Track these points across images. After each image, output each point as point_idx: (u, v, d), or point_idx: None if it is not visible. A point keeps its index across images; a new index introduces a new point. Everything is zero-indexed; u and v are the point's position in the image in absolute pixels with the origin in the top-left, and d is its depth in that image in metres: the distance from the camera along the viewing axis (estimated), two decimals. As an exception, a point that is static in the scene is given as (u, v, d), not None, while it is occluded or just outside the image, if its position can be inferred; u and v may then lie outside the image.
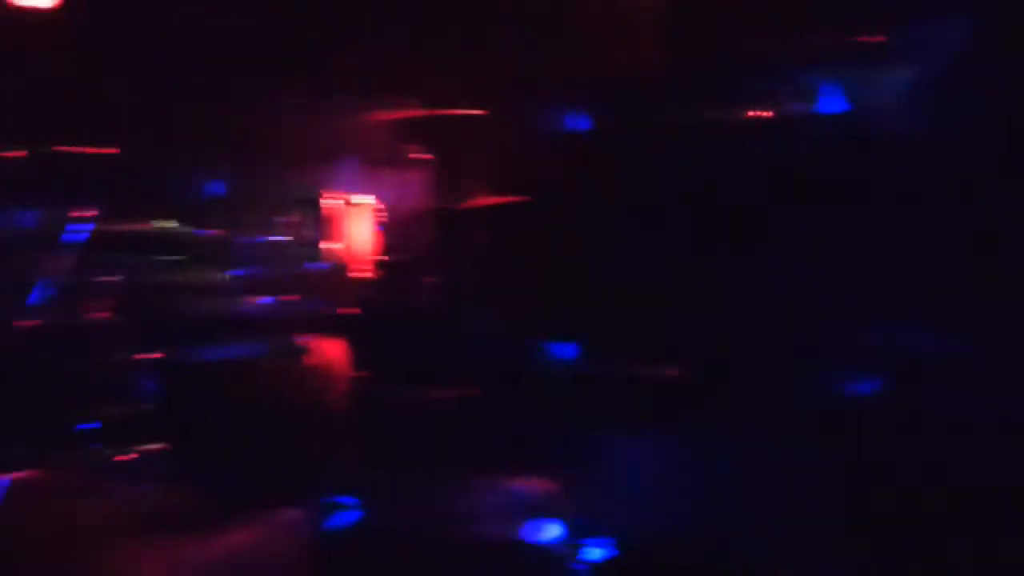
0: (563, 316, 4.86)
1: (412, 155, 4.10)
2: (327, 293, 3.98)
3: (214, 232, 4.15)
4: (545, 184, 5.23)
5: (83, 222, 3.95)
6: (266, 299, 3.96)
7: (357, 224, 4.05)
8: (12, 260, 4.61)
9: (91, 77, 5.02)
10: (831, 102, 3.76)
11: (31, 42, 4.99)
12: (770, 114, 3.88)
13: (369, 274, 4.03)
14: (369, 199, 4.12)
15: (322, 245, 3.95)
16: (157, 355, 3.67)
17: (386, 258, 4.16)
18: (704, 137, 3.99)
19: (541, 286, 4.88)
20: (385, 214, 4.37)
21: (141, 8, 5.09)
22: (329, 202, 3.98)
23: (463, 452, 3.45)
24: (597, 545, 3.19)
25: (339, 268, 3.98)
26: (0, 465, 2.57)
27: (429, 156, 3.40)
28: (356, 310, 3.95)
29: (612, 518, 3.27)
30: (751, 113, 3.93)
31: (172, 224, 4.03)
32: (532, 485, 3.51)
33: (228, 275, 3.99)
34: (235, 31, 5.21)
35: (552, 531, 3.31)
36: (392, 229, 4.58)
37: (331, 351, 3.85)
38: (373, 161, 4.73)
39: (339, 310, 3.99)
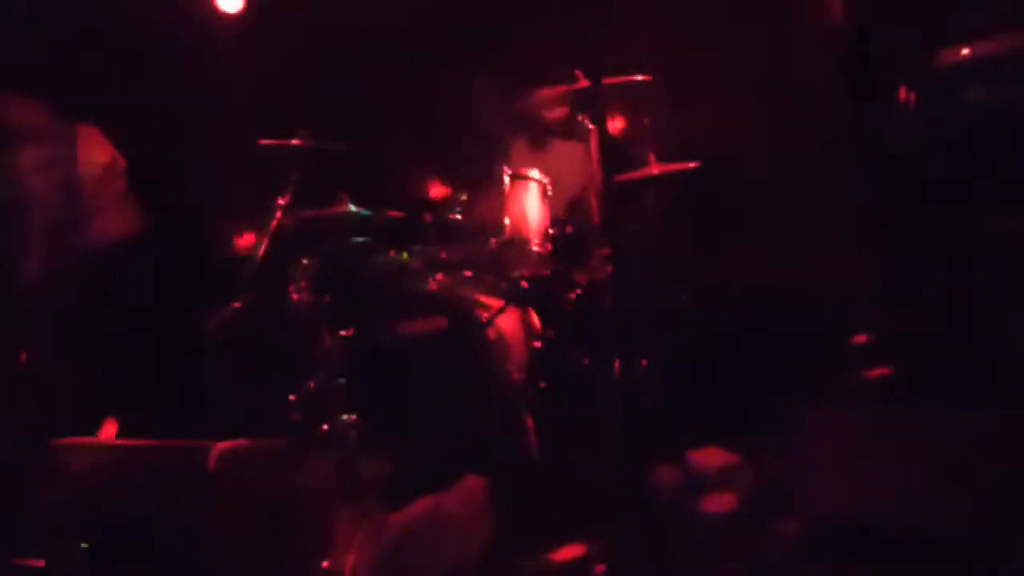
0: (746, 284, 4.72)
1: (584, 126, 4.08)
2: (507, 267, 4.06)
3: (400, 213, 4.35)
4: (725, 150, 5.08)
5: (284, 207, 4.25)
6: (448, 276, 4.10)
7: (531, 197, 4.08)
8: (227, 244, 5.06)
9: (284, 70, 5.39)
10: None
11: (231, 40, 5.43)
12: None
13: (544, 246, 4.06)
14: (542, 173, 4.14)
15: (500, 220, 4.02)
16: (350, 331, 3.90)
17: (559, 230, 4.18)
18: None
19: (723, 254, 4.75)
20: (560, 187, 4.40)
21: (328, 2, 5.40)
22: (505, 177, 4.03)
23: (647, 423, 3.42)
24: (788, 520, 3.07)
25: (517, 242, 4.03)
26: (212, 434, 2.81)
27: (600, 126, 3.36)
28: (532, 282, 4.00)
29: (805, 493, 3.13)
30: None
31: (360, 208, 4.25)
32: (722, 458, 3.44)
33: (412, 254, 4.17)
34: (410, 15, 5.43)
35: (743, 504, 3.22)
36: (566, 201, 4.60)
37: (511, 323, 3.92)
38: (546, 134, 4.77)
39: (519, 283, 4.06)
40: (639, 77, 3.90)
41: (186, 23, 5.36)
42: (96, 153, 4.55)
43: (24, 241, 4.50)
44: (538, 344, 3.97)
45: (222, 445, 3.05)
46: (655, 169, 4.20)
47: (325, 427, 3.75)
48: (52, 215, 4.48)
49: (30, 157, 4.60)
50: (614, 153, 4.70)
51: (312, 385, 3.92)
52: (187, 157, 5.50)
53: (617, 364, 3.75)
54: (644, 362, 3.96)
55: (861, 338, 3.84)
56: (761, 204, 4.91)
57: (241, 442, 3.17)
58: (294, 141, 4.25)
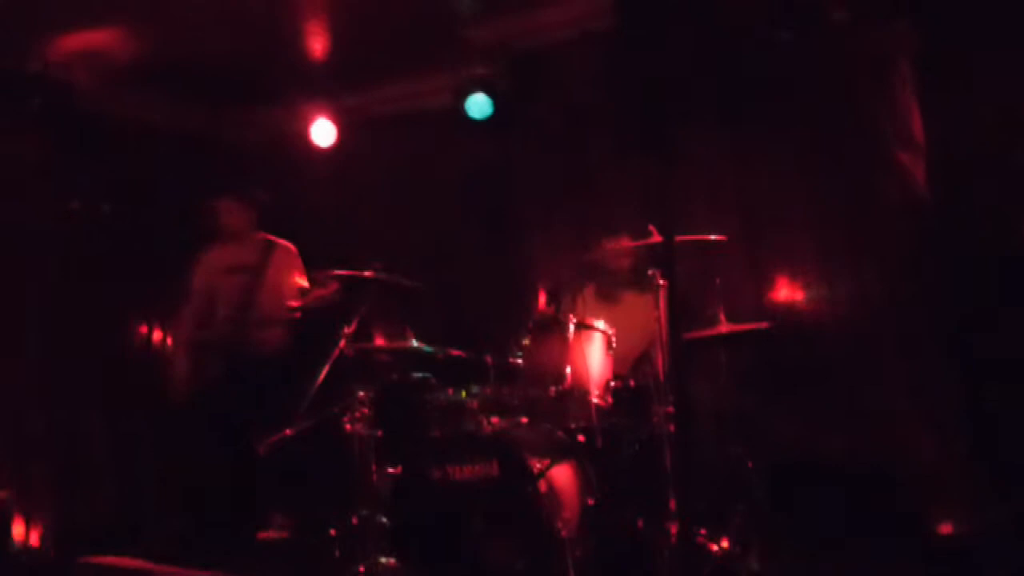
0: (819, 453, 4.50)
1: (654, 280, 4.04)
2: (563, 416, 3.95)
3: (461, 352, 4.33)
4: (795, 310, 4.98)
5: (347, 336, 4.27)
6: (504, 419, 4.00)
7: (595, 348, 4.01)
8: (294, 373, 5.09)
9: (365, 204, 5.60)
10: None
11: (312, 174, 5.70)
12: None
13: (606, 398, 3.96)
14: (607, 324, 4.09)
15: (560, 368, 3.94)
16: (398, 469, 3.81)
17: (622, 383, 4.08)
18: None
19: (795, 419, 4.57)
20: (622, 338, 4.33)
21: (413, 143, 5.65)
22: (568, 325, 3.99)
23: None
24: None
25: (577, 392, 3.93)
26: (244, 563, 2.71)
27: (671, 281, 3.31)
28: (590, 435, 3.87)
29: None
30: None
31: (423, 344, 4.24)
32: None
33: (470, 394, 4.10)
34: (488, 164, 5.62)
35: None
36: (629, 354, 4.51)
37: (564, 475, 3.78)
38: (615, 287, 4.75)
39: (575, 435, 3.94)
40: (713, 236, 3.87)
41: (281, 153, 5.67)
42: (286, 273, 4.78)
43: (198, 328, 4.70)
44: (591, 501, 3.80)
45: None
46: (724, 328, 4.11)
47: (362, 568, 3.61)
48: (231, 312, 4.67)
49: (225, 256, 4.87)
50: (683, 310, 4.66)
51: (355, 521, 3.81)
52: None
53: (674, 530, 3.58)
54: (703, 530, 3.75)
55: (946, 528, 3.57)
56: (838, 370, 4.76)
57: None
58: (367, 273, 4.32)
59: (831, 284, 4.92)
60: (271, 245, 4.96)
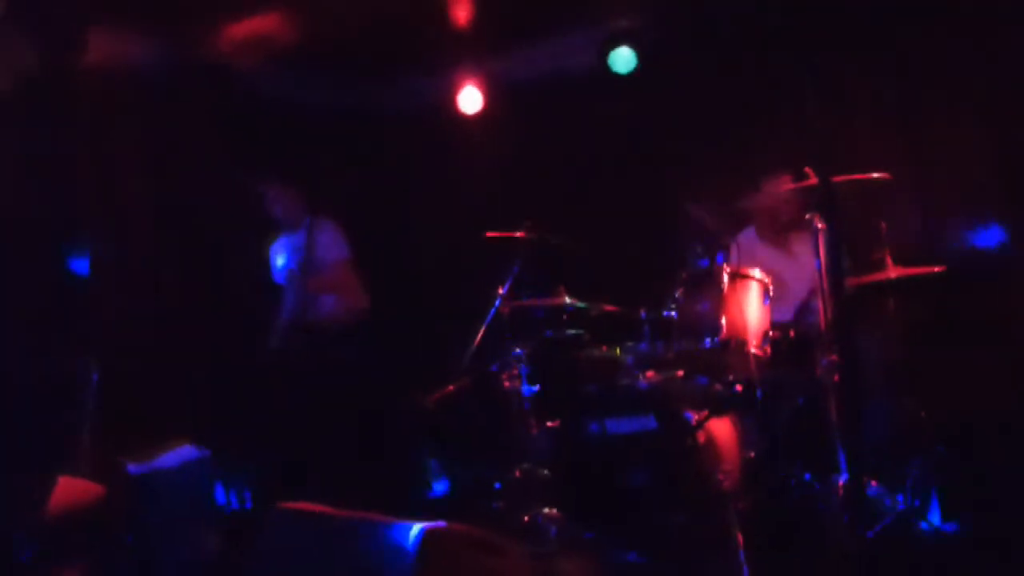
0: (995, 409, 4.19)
1: (813, 225, 3.87)
2: (720, 369, 3.88)
3: (614, 308, 4.33)
4: (973, 254, 4.63)
5: (503, 296, 4.37)
6: (660, 374, 3.98)
7: (752, 298, 3.90)
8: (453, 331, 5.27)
9: (513, 166, 5.66)
10: None
11: (464, 140, 5.80)
12: None
13: (764, 349, 3.85)
14: (764, 273, 3.96)
15: (716, 319, 3.87)
16: (556, 423, 3.88)
17: (782, 333, 3.96)
18: None
19: (960, 368, 4.27)
20: (782, 287, 4.19)
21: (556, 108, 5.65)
22: (723, 276, 3.90)
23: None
24: None
25: (734, 343, 3.85)
26: (412, 513, 2.86)
27: (830, 226, 3.16)
28: (748, 387, 3.79)
29: None
30: None
31: (576, 300, 4.28)
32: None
33: (625, 349, 4.11)
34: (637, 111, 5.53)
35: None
36: (792, 301, 4.36)
37: (723, 428, 3.72)
38: (771, 233, 4.59)
39: (733, 387, 3.86)
40: (875, 175, 3.64)
41: (429, 121, 5.82)
42: (329, 244, 4.97)
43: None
44: (752, 454, 3.73)
45: (426, 524, 3.09)
46: (893, 273, 3.88)
47: (526, 518, 3.72)
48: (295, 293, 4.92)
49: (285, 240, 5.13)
50: (847, 254, 4.44)
51: (517, 474, 3.93)
52: (420, 248, 5.88)
53: (841, 484, 3.46)
54: (873, 484, 3.60)
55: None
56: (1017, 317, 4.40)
57: (443, 525, 3.20)
58: (519, 233, 4.38)
59: (1013, 225, 4.53)
60: (315, 224, 4.98)
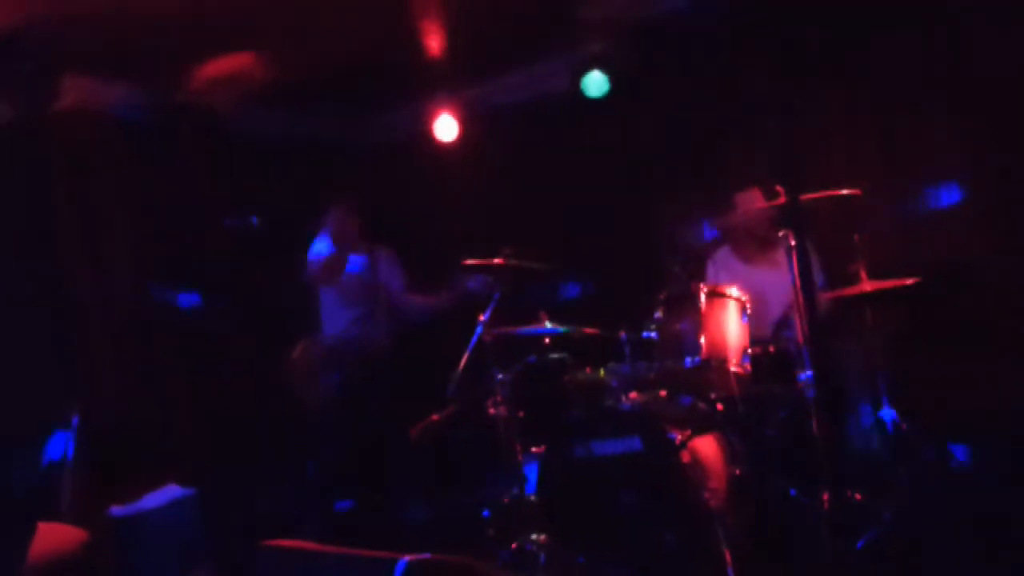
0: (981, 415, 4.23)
1: (787, 240, 3.91)
2: (702, 387, 3.90)
3: (594, 330, 4.35)
4: (947, 264, 4.68)
5: (486, 324, 4.38)
6: (643, 395, 4.00)
7: (730, 316, 3.94)
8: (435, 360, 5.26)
9: (491, 193, 5.70)
10: None
11: (440, 168, 5.84)
12: None
13: (744, 366, 3.88)
14: (741, 291, 4.00)
15: (695, 338, 3.89)
16: (541, 448, 3.88)
17: (762, 349, 3.99)
18: None
19: (940, 379, 4.31)
20: (760, 304, 4.22)
21: (529, 132, 5.70)
22: (702, 294, 3.93)
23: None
24: None
25: (714, 361, 3.88)
26: (396, 545, 2.85)
27: (800, 242, 3.20)
28: (730, 404, 3.81)
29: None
30: None
31: (557, 325, 4.29)
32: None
33: (607, 371, 4.12)
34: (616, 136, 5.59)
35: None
36: (767, 318, 4.39)
37: (708, 446, 3.74)
38: (746, 250, 4.64)
39: (715, 405, 3.88)
40: (845, 191, 3.69)
41: (404, 149, 5.86)
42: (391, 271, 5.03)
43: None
44: (738, 471, 3.74)
45: (410, 557, 3.08)
46: (868, 286, 3.92)
47: (515, 545, 3.71)
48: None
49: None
50: (825, 269, 4.49)
51: (505, 501, 3.92)
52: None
53: (826, 497, 3.46)
54: (858, 496, 3.61)
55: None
56: (1001, 325, 4.45)
57: (427, 556, 3.19)
58: (496, 260, 4.40)
59: (986, 234, 4.60)
60: (375, 251, 5.04)
